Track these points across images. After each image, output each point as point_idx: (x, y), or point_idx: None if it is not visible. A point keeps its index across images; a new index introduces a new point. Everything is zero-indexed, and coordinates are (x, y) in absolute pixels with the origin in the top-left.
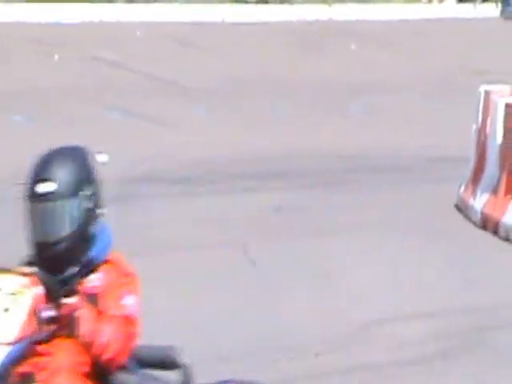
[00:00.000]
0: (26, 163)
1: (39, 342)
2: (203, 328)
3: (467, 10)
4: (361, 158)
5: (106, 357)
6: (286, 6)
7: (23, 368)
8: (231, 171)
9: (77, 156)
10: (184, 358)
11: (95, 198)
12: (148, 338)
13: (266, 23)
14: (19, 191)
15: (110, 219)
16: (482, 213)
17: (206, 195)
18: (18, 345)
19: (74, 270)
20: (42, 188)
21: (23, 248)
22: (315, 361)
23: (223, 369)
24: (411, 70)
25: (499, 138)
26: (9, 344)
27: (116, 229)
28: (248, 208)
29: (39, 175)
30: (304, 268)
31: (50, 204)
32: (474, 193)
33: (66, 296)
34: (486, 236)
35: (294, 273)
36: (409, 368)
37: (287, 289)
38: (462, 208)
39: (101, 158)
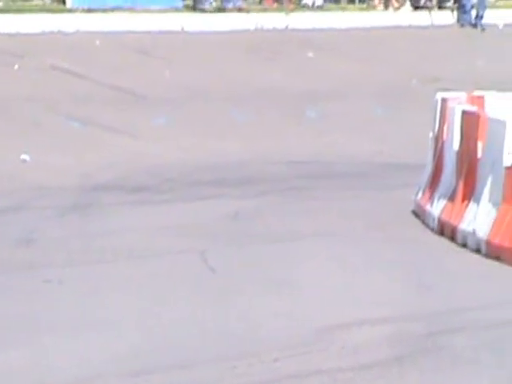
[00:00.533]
0: None
1: None
2: (162, 335)
3: (423, 18)
4: (317, 164)
5: None
6: (243, 15)
7: None
8: (190, 179)
9: None
10: None
11: None
12: (109, 345)
13: (224, 32)
14: None
15: (67, 228)
16: (439, 219)
17: (165, 203)
18: None
19: None
20: None
21: None
22: (274, 366)
23: (182, 376)
24: (367, 77)
25: (456, 145)
26: None
27: (76, 237)
28: (206, 215)
29: None
30: (262, 274)
31: None
32: (431, 199)
33: None
34: (443, 242)
35: (252, 279)
36: (365, 372)
37: (246, 295)
38: (419, 214)
39: (25, 157)
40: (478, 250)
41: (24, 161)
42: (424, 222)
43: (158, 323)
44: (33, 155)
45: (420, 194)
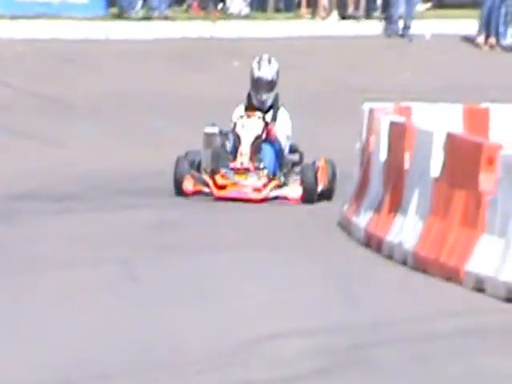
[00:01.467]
0: None
1: None
2: (84, 347)
3: (350, 28)
4: None
5: None
6: (169, 23)
7: None
8: (115, 188)
9: None
10: None
11: None
12: (31, 357)
13: (149, 41)
14: None
15: None
16: (365, 230)
17: (89, 212)
18: None
19: None
20: None
21: None
22: (197, 378)
23: None
24: (294, 86)
25: (383, 156)
26: None
27: None
28: (131, 225)
29: None
30: (186, 285)
31: None
32: (357, 210)
33: None
34: (370, 254)
35: (175, 289)
36: None
37: (169, 306)
38: (345, 226)
39: None
40: (404, 262)
41: None
42: (350, 234)
43: (80, 334)
44: None
45: (346, 206)
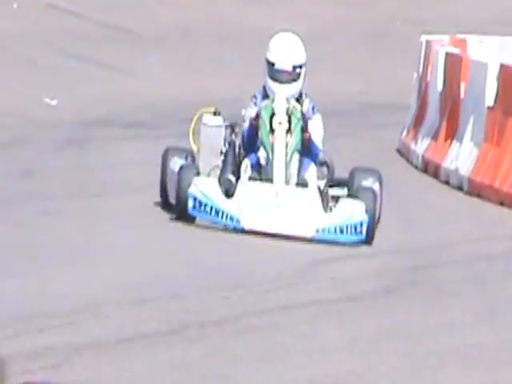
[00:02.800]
0: None
1: None
2: (157, 267)
3: None
4: None
5: None
6: None
7: None
8: (182, 115)
9: None
10: None
11: None
12: (105, 276)
13: None
14: None
15: (65, 161)
16: (423, 157)
17: (158, 139)
18: None
19: None
20: None
21: None
22: (265, 297)
23: (176, 306)
24: (351, 18)
25: (440, 86)
26: None
27: (73, 170)
28: None
29: None
30: None
31: None
32: (415, 138)
33: None
34: (427, 179)
35: None
36: (354, 304)
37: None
38: (403, 153)
39: (50, 101)
40: (460, 188)
41: (50, 104)
42: (408, 161)
43: (153, 255)
44: (30, 91)
45: (405, 133)
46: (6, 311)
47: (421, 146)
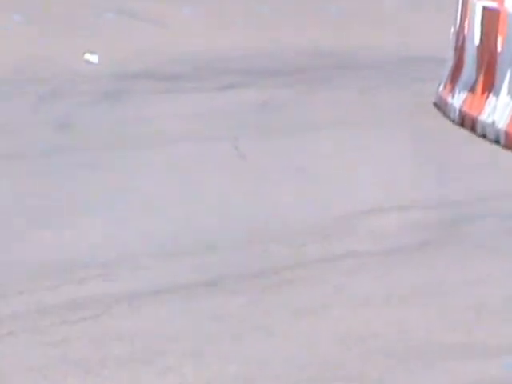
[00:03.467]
0: (24, 62)
1: None
2: (192, 218)
3: None
4: (342, 55)
5: None
6: None
7: None
8: (218, 68)
9: None
10: None
11: None
12: (141, 227)
13: None
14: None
15: (102, 114)
16: (460, 111)
17: (195, 91)
18: None
19: None
20: None
21: None
22: (302, 249)
23: (213, 258)
24: None
25: (477, 40)
26: None
27: (110, 123)
28: (235, 104)
29: None
30: (290, 162)
31: None
32: (452, 91)
33: None
34: (464, 133)
35: (281, 168)
36: (391, 257)
37: (275, 182)
38: (440, 106)
39: (90, 57)
40: (497, 141)
41: (89, 61)
42: (445, 114)
43: (189, 207)
44: (69, 45)
45: (442, 87)
46: (44, 263)
47: (458, 100)
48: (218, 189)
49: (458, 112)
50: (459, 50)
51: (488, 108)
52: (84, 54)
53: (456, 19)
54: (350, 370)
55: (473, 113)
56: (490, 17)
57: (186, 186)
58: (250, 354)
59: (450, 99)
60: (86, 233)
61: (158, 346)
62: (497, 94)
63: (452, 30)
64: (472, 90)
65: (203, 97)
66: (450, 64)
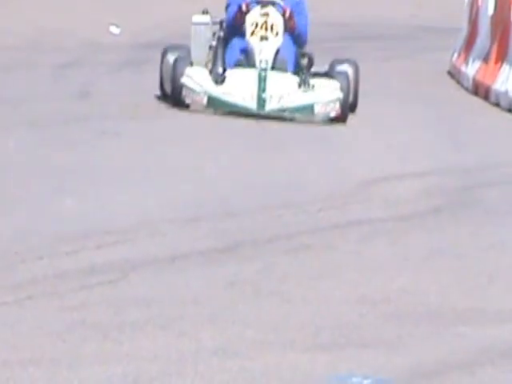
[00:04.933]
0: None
1: None
2: (208, 185)
3: None
4: (354, 26)
5: None
6: None
7: None
8: None
9: None
10: None
11: None
12: (161, 194)
13: None
14: None
15: (124, 82)
16: (473, 79)
17: None
18: None
19: None
20: None
21: None
22: (317, 216)
23: (230, 224)
24: None
25: (490, 10)
26: None
27: (130, 92)
28: None
29: None
30: (307, 131)
31: None
32: (466, 60)
33: None
34: (478, 101)
35: (296, 135)
36: (405, 223)
37: (290, 149)
38: (454, 75)
39: (114, 29)
40: (510, 109)
41: (112, 33)
42: (459, 83)
43: (207, 174)
44: (92, 15)
45: (455, 56)
46: (64, 229)
47: (471, 69)
48: (236, 156)
49: (471, 81)
50: (473, 19)
51: (501, 77)
52: (108, 26)
53: None
54: (364, 335)
55: (486, 81)
56: None
57: (204, 153)
58: (266, 319)
59: (463, 68)
60: (105, 199)
61: (174, 311)
62: (510, 63)
63: (466, 0)
64: (486, 59)
65: None
66: (463, 34)
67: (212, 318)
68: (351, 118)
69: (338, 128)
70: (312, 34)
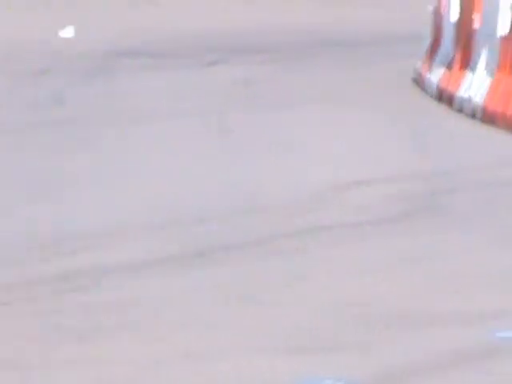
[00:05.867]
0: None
1: None
2: (179, 191)
3: None
4: (323, 33)
5: None
6: None
7: None
8: (204, 45)
9: None
10: None
11: None
12: (130, 200)
13: None
14: None
15: (96, 89)
16: (437, 87)
17: (180, 68)
18: None
19: None
20: None
21: None
22: (288, 221)
23: (200, 229)
24: None
25: (454, 17)
26: None
27: (103, 98)
28: (221, 80)
29: None
30: (276, 136)
31: None
32: (430, 67)
33: None
34: (442, 108)
35: (266, 141)
36: (374, 228)
37: (260, 155)
38: (419, 82)
39: (66, 33)
40: (473, 116)
41: (67, 36)
42: (423, 90)
43: (176, 180)
44: (57, 23)
45: (420, 63)
46: (35, 235)
47: (436, 76)
48: (204, 162)
49: (435, 88)
50: (437, 26)
51: (465, 83)
52: (60, 30)
53: None
54: (337, 338)
55: (450, 88)
56: None
57: (173, 159)
58: (238, 324)
59: (427, 75)
60: (76, 206)
61: (147, 315)
62: (473, 70)
63: (430, 7)
64: (449, 66)
65: (189, 74)
66: (428, 41)
67: (184, 323)
68: (314, 124)
69: (307, 133)
70: (283, 40)
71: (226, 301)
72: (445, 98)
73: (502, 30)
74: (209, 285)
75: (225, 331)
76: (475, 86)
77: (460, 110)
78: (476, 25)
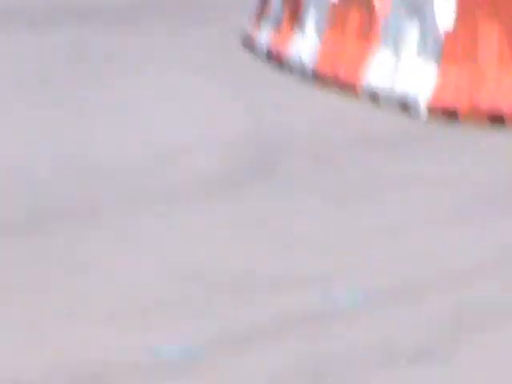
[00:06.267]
0: None
1: None
2: (14, 155)
3: None
4: None
5: None
6: None
7: None
8: (36, 6)
9: None
10: None
11: None
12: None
13: None
14: None
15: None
16: (267, 47)
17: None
18: None
19: None
20: None
21: None
22: (120, 185)
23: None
24: None
25: None
26: None
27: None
28: (51, 45)
29: None
30: (109, 104)
31: None
32: (259, 29)
33: None
34: (273, 70)
35: (100, 108)
36: (203, 193)
37: (92, 120)
38: (248, 43)
39: None
40: (304, 77)
41: None
42: (253, 51)
43: (12, 139)
44: None
45: (250, 24)
46: None
47: (265, 37)
48: (35, 133)
49: (265, 49)
50: None
51: (294, 45)
52: None
53: None
54: (172, 304)
55: (280, 49)
56: None
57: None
58: (72, 292)
59: (257, 36)
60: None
61: None
62: (302, 31)
63: None
64: (278, 26)
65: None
66: (256, 1)
67: (18, 288)
68: (146, 86)
69: (138, 99)
70: (109, 3)
71: (62, 265)
72: (275, 59)
73: None
74: (42, 254)
75: (55, 299)
76: (304, 47)
77: (291, 72)
78: None
